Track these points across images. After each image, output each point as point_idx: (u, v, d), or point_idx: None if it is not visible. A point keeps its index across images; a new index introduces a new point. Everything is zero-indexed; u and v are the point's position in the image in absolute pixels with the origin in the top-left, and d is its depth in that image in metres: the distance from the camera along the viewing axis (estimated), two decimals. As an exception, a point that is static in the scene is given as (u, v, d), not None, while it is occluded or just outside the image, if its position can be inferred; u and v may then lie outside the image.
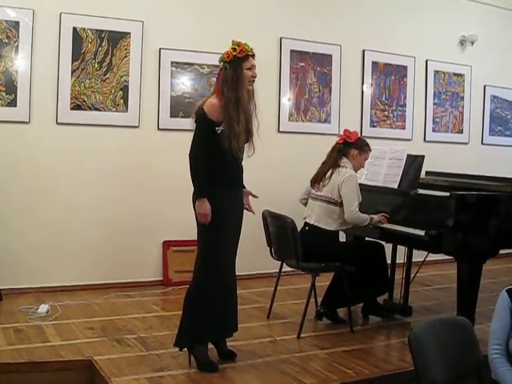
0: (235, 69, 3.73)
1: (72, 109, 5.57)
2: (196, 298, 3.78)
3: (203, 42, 6.03)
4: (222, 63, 3.78)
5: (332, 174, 4.62)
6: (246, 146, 3.81)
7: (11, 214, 5.38)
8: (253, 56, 3.81)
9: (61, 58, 5.50)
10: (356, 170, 4.70)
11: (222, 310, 3.82)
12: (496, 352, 2.79)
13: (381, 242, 4.84)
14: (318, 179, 4.71)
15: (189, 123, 3.88)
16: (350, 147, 4.69)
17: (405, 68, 7.37)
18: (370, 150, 4.80)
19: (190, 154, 3.73)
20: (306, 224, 4.71)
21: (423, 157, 4.80)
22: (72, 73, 5.54)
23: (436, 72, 7.64)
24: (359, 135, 4.81)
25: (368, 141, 4.82)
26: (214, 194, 3.71)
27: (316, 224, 4.61)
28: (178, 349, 3.87)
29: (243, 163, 3.87)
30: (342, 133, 4.82)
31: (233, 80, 3.72)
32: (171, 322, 4.63)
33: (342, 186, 4.53)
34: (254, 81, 3.82)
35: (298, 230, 4.52)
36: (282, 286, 5.40)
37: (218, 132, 3.68)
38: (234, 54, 3.72)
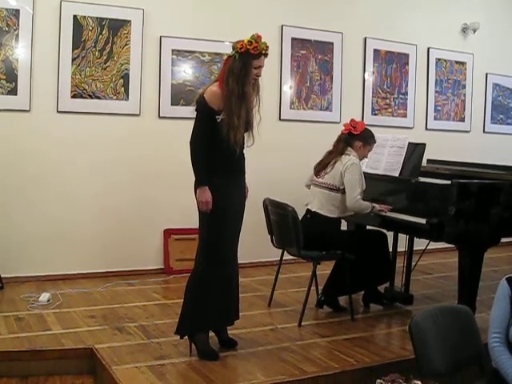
0: (244, 63, 3.65)
1: (72, 97, 5.55)
2: (197, 287, 3.78)
3: (204, 30, 6.00)
4: (232, 51, 3.70)
5: (336, 162, 4.60)
6: (245, 135, 3.77)
7: (12, 203, 5.37)
8: (266, 55, 3.73)
9: (61, 46, 5.47)
10: (360, 159, 4.68)
11: (223, 298, 3.81)
12: (496, 340, 2.80)
13: (382, 230, 4.84)
14: (321, 168, 4.70)
15: (190, 111, 3.86)
16: (355, 139, 4.66)
17: (406, 56, 7.33)
18: (374, 142, 4.76)
19: (190, 142, 3.72)
20: (307, 211, 4.70)
21: (424, 145, 4.78)
22: (72, 61, 5.52)
23: (438, 60, 7.60)
24: (365, 125, 4.73)
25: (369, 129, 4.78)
26: (215, 182, 3.69)
27: (318, 211, 4.61)
28: (178, 337, 3.87)
29: (244, 151, 3.84)
30: (347, 121, 4.76)
31: (240, 73, 3.65)
32: (172, 311, 4.64)
33: (344, 173, 4.52)
34: (256, 79, 3.76)
35: (299, 218, 4.50)
36: (283, 274, 5.40)
37: (218, 121, 3.65)
38: (248, 47, 3.63)
